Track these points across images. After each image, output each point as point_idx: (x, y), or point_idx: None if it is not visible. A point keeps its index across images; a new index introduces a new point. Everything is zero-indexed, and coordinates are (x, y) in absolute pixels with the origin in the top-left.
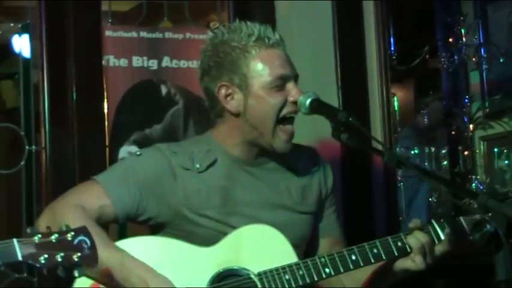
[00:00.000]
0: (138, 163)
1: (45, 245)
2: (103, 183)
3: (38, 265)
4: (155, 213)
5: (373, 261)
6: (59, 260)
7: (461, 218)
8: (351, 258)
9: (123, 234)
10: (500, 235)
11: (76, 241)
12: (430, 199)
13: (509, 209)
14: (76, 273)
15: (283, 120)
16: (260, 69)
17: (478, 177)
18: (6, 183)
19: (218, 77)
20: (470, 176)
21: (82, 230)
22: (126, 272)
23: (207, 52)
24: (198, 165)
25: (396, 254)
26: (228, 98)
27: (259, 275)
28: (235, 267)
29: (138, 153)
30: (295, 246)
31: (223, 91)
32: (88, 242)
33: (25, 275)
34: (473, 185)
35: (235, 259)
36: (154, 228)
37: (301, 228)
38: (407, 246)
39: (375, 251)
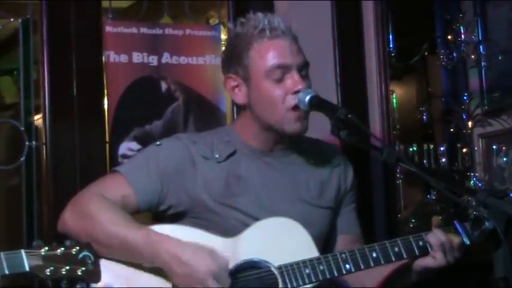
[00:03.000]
0: (158, 152)
1: (51, 258)
2: (125, 173)
3: (43, 277)
4: (175, 201)
5: (394, 259)
6: (64, 273)
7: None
8: (371, 255)
9: None
10: (499, 232)
11: (80, 256)
12: (428, 196)
13: (507, 206)
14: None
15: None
16: (258, 60)
17: (477, 174)
18: (6, 179)
19: (228, 70)
20: (468, 174)
21: (86, 246)
22: (154, 248)
23: (224, 45)
24: (217, 155)
25: (417, 253)
26: (236, 90)
27: (279, 267)
28: (255, 259)
29: (158, 143)
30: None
31: (230, 83)
32: (92, 257)
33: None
34: (472, 182)
35: (256, 251)
36: (173, 218)
37: (318, 223)
38: (428, 245)
39: (396, 249)
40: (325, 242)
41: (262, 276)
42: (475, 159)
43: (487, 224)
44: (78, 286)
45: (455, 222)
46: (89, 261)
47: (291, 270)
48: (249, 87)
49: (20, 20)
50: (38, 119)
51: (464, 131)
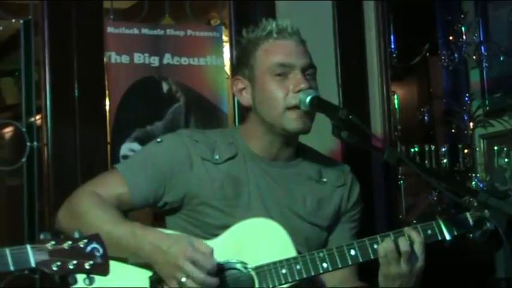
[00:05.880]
0: (157, 150)
1: (58, 252)
2: (122, 171)
3: (50, 272)
4: (170, 199)
5: (372, 257)
6: (71, 267)
7: (468, 214)
8: (350, 253)
9: None
10: (500, 233)
11: (88, 249)
12: (429, 197)
13: (509, 207)
14: (87, 281)
15: (290, 108)
16: (263, 58)
17: (478, 175)
18: (7, 180)
19: (236, 73)
20: (470, 174)
21: (95, 238)
22: (138, 241)
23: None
24: (217, 157)
25: None
26: (243, 93)
27: (256, 268)
28: (233, 261)
29: (158, 140)
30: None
31: (237, 85)
32: (100, 249)
33: (26, 272)
34: (473, 183)
35: (234, 252)
36: (167, 212)
37: (307, 238)
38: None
39: (375, 246)
40: None
41: (239, 277)
42: (476, 160)
43: (488, 224)
44: (86, 281)
45: (439, 219)
46: (97, 254)
47: (268, 270)
48: (253, 88)
49: (21, 21)
50: (39, 119)
51: (465, 132)
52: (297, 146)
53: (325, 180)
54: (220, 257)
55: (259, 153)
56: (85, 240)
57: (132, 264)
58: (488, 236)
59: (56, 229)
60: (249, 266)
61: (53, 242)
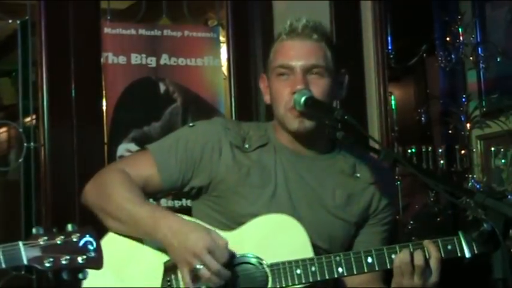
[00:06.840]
0: (189, 134)
1: (51, 248)
2: (153, 152)
3: (42, 269)
4: (197, 183)
5: (389, 266)
6: (64, 263)
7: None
8: (366, 260)
9: None
10: (497, 234)
11: (81, 243)
12: (426, 198)
13: (506, 207)
14: (80, 276)
15: (289, 109)
16: (272, 59)
17: (475, 176)
18: (4, 180)
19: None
20: (467, 175)
21: (87, 231)
22: (157, 223)
23: None
24: (247, 146)
25: None
26: (267, 90)
27: (271, 266)
28: (249, 255)
29: (191, 124)
30: (324, 249)
31: (264, 82)
32: (94, 243)
33: (23, 272)
34: (470, 184)
35: (251, 246)
36: (193, 197)
37: (332, 232)
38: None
39: (393, 256)
40: None
41: (253, 272)
42: (473, 161)
43: (485, 225)
44: (80, 276)
45: (460, 233)
46: (91, 248)
47: (282, 269)
48: (270, 86)
49: (18, 22)
50: (36, 120)
51: (462, 133)
52: (334, 141)
53: (358, 175)
54: (237, 250)
55: (287, 145)
56: (78, 234)
57: (148, 245)
58: (485, 236)
59: (83, 203)
60: (264, 262)
61: (45, 238)
